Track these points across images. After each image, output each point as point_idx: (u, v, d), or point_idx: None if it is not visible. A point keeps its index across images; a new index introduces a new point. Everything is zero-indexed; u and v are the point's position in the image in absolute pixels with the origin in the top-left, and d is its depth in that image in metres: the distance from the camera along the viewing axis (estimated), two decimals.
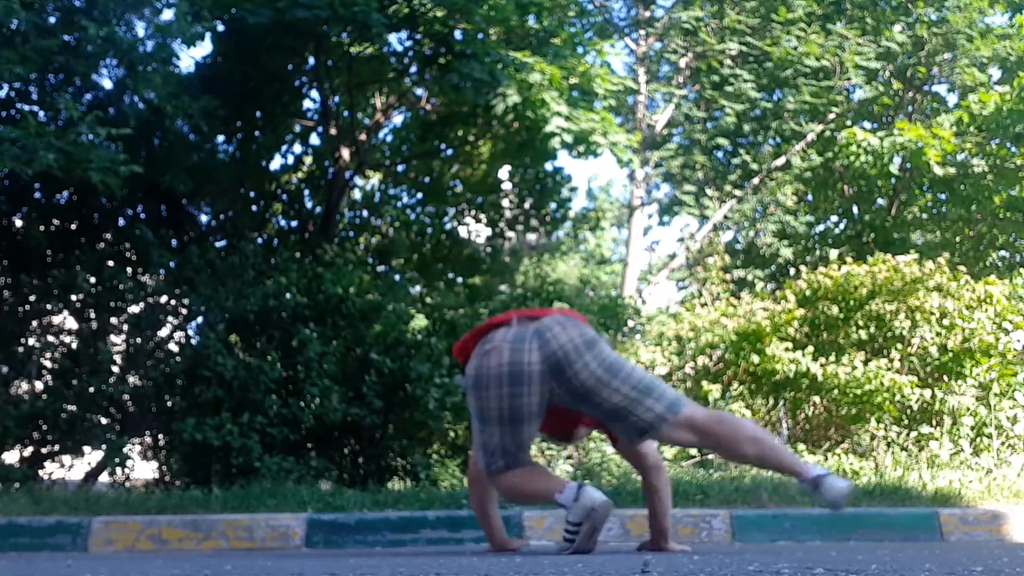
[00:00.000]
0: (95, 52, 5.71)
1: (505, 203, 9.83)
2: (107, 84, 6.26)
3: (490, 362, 2.77)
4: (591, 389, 2.75)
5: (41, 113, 5.94)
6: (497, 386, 2.75)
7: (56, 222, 6.77)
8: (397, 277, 8.82)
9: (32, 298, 6.29)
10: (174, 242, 6.95)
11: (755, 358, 6.50)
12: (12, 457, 5.92)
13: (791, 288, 7.04)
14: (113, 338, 6.32)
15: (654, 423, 2.75)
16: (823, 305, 6.76)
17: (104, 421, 6.01)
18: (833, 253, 9.43)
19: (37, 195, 6.50)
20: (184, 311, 6.27)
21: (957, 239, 11.37)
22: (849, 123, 10.32)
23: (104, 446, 5.82)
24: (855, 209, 11.91)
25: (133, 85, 6.02)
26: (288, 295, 6.03)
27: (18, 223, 6.62)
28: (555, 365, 2.75)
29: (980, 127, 9.64)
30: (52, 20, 5.63)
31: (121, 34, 5.80)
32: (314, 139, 8.76)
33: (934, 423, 6.25)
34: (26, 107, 6.04)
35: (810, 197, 12.09)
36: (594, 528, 2.66)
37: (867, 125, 10.88)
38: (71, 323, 6.37)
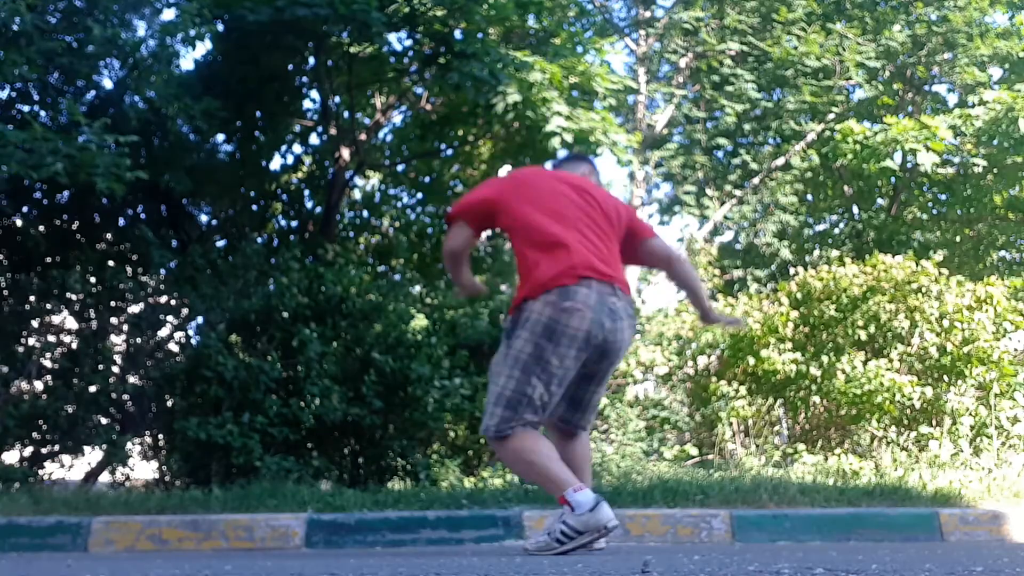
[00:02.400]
0: (97, 53, 5.71)
1: None
2: (107, 84, 6.27)
3: (570, 321, 2.83)
4: (600, 382, 3.07)
5: (43, 114, 5.94)
6: (568, 346, 2.84)
7: (56, 222, 6.76)
8: (397, 277, 8.81)
9: (32, 298, 6.29)
10: (174, 242, 6.95)
11: (751, 360, 6.51)
12: (12, 457, 5.92)
13: (784, 290, 7.05)
14: (113, 338, 6.32)
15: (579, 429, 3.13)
16: (816, 306, 6.77)
17: (104, 421, 6.00)
18: (834, 253, 9.44)
19: (38, 195, 6.49)
20: (184, 311, 6.27)
21: (957, 239, 11.37)
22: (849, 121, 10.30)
23: (104, 446, 5.82)
24: (855, 209, 11.92)
25: (135, 86, 6.02)
26: (288, 295, 6.03)
27: (18, 223, 6.61)
28: (605, 352, 2.93)
29: (978, 137, 9.63)
30: (53, 21, 5.63)
31: (123, 35, 5.80)
32: (314, 139, 8.77)
33: (934, 423, 6.25)
34: (28, 108, 6.04)
35: (810, 197, 12.09)
36: (589, 543, 2.73)
37: (867, 125, 10.87)
38: (71, 323, 6.37)
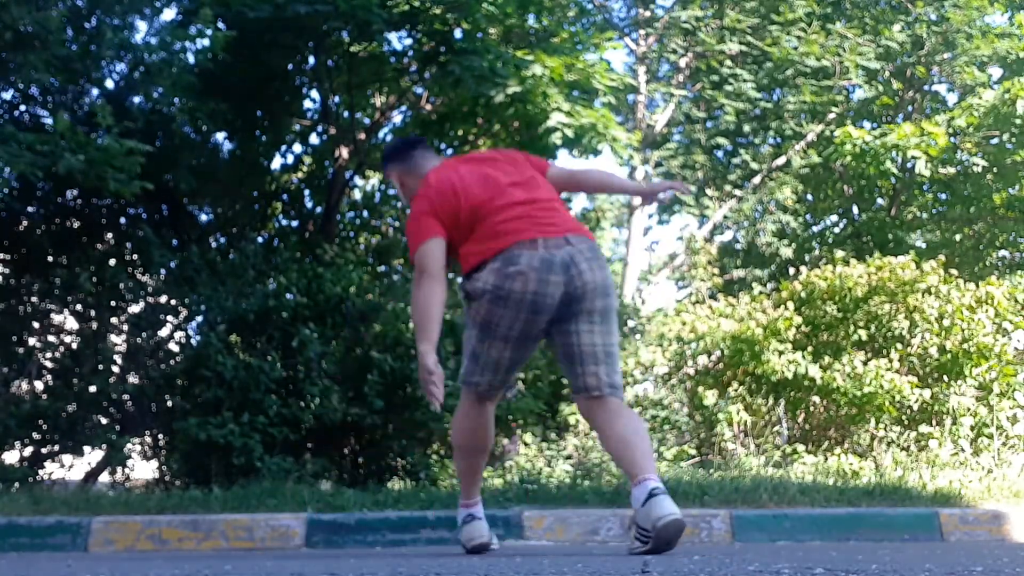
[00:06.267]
0: (104, 54, 5.72)
1: None
2: (108, 84, 6.27)
3: (514, 286, 2.79)
4: (572, 327, 2.85)
5: (44, 114, 5.94)
6: (516, 311, 2.80)
7: (58, 221, 6.76)
8: (397, 277, 8.80)
9: (33, 298, 6.30)
10: (175, 241, 6.95)
11: (751, 362, 6.51)
12: (12, 457, 5.92)
13: (787, 289, 7.04)
14: (113, 338, 6.32)
15: (586, 388, 2.86)
16: (818, 306, 6.76)
17: (104, 421, 6.00)
18: (839, 255, 9.44)
19: (41, 195, 6.49)
20: (184, 311, 6.27)
21: (957, 239, 11.37)
22: (849, 123, 10.31)
23: (104, 446, 5.82)
24: (855, 209, 11.92)
25: (143, 87, 6.03)
26: (288, 295, 6.02)
27: (23, 223, 6.61)
28: (569, 297, 2.81)
29: (978, 127, 9.63)
30: (65, 21, 5.64)
31: (128, 37, 5.81)
32: (314, 139, 8.76)
33: (934, 423, 6.25)
34: (41, 111, 6.06)
35: (810, 197, 12.09)
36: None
37: (867, 125, 10.87)
38: (72, 323, 6.37)
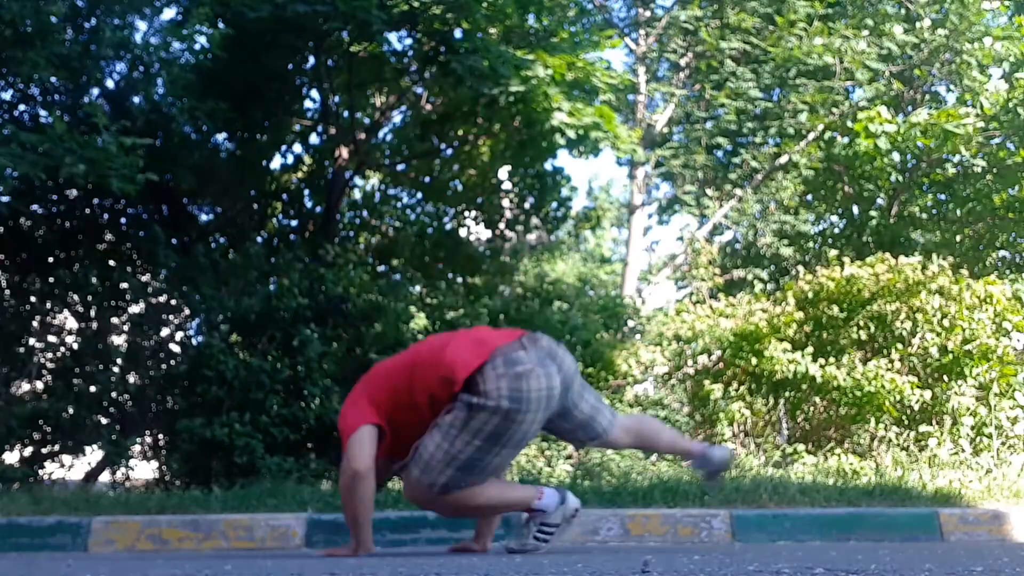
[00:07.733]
0: (104, 54, 5.73)
1: (505, 203, 9.82)
2: (108, 84, 6.28)
3: (530, 385, 2.74)
4: (572, 405, 2.97)
5: (43, 114, 5.94)
6: (535, 410, 2.76)
7: (59, 221, 6.77)
8: (397, 277, 8.81)
9: (33, 298, 6.30)
10: (175, 241, 6.95)
11: (753, 359, 6.50)
12: (12, 457, 5.92)
13: (790, 289, 7.03)
14: (115, 338, 6.32)
15: (607, 429, 3.06)
16: (824, 306, 6.76)
17: (105, 421, 6.01)
18: (832, 253, 9.43)
19: (42, 194, 6.49)
20: (185, 311, 6.27)
21: (957, 239, 11.36)
22: (850, 123, 10.29)
23: (105, 446, 5.83)
24: (855, 209, 11.91)
25: (143, 87, 6.04)
26: (289, 296, 6.03)
27: (25, 223, 6.61)
28: (564, 385, 2.88)
29: (984, 127, 9.63)
30: (54, 20, 5.65)
31: (128, 36, 5.82)
32: (314, 139, 8.77)
33: (934, 423, 6.25)
34: (27, 108, 6.05)
35: (810, 197, 12.08)
36: (566, 528, 2.95)
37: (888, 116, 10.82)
38: (72, 323, 6.38)
